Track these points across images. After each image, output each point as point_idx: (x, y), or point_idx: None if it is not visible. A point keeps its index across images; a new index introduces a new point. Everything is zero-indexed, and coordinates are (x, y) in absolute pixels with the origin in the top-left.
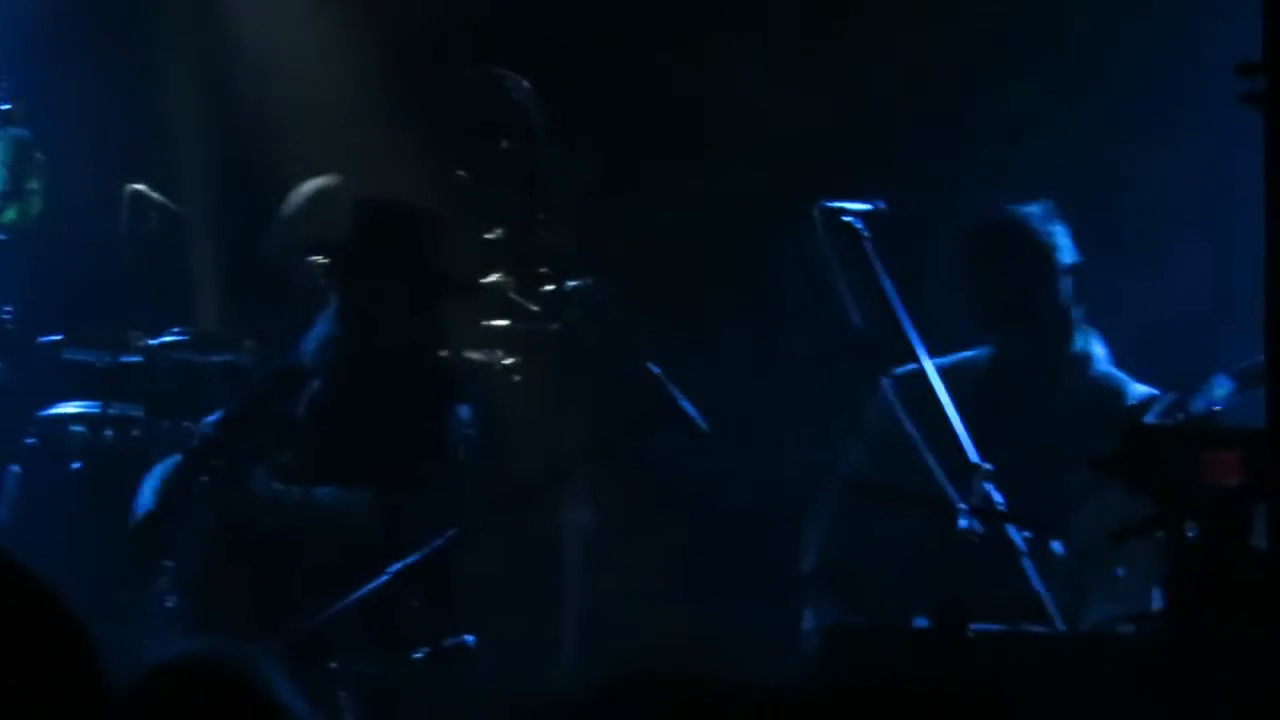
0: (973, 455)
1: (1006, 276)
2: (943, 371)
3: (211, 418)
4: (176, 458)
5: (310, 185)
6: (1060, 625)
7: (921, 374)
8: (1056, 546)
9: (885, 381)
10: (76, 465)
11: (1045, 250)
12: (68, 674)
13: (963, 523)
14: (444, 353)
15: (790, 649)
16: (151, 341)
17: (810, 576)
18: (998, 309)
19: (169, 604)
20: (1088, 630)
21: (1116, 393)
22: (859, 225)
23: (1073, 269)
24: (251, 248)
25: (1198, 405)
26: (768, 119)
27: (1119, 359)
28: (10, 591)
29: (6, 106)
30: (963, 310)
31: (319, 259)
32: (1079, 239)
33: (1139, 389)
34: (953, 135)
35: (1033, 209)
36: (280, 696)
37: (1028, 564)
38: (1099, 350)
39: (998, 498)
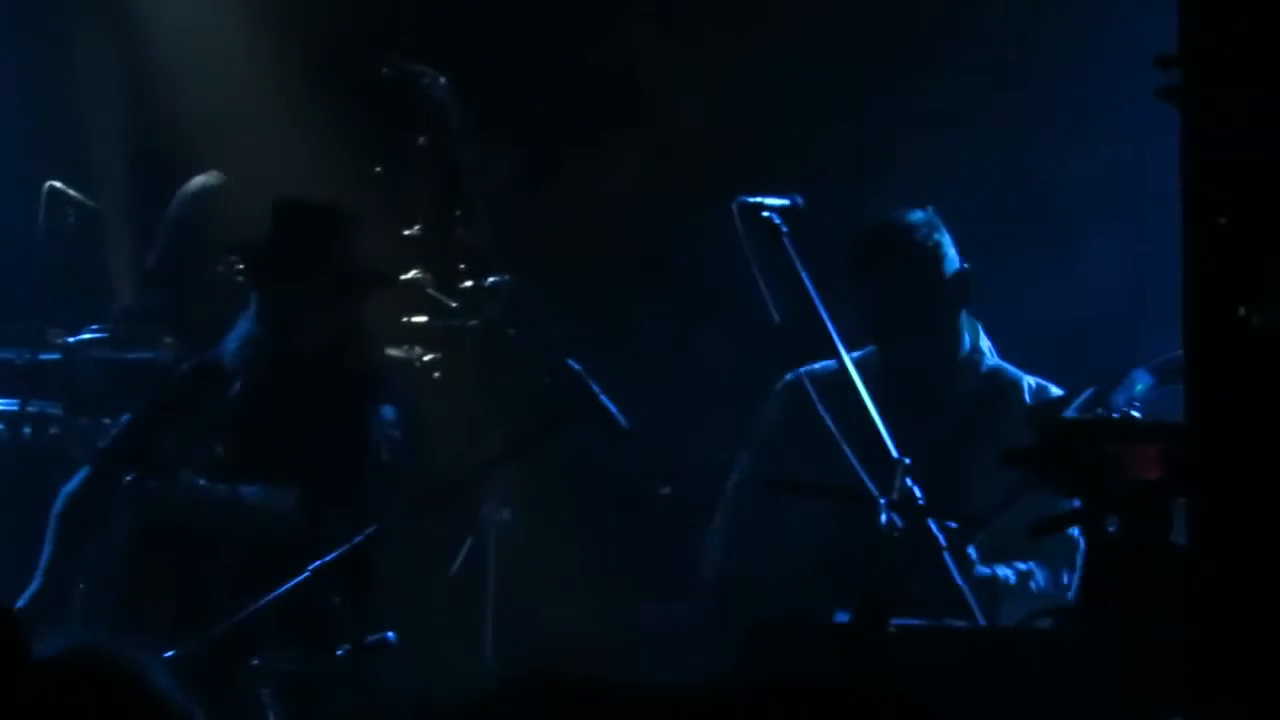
0: (893, 450)
1: (891, 286)
2: (833, 374)
3: (120, 422)
4: (82, 474)
5: (194, 184)
6: (980, 620)
7: (824, 372)
8: (971, 551)
9: (784, 381)
10: None
11: (930, 260)
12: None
13: (883, 517)
14: (366, 352)
15: (710, 646)
16: (70, 339)
17: (714, 582)
18: (885, 319)
19: (91, 603)
20: (1008, 625)
21: (1012, 384)
22: (777, 220)
23: (957, 275)
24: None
25: (1117, 400)
26: (682, 112)
27: (1037, 355)
28: None
29: None
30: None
31: (234, 259)
32: (997, 236)
33: (1032, 380)
34: (869, 130)
35: (916, 216)
36: (162, 690)
37: (948, 558)
38: (985, 345)
39: (918, 492)
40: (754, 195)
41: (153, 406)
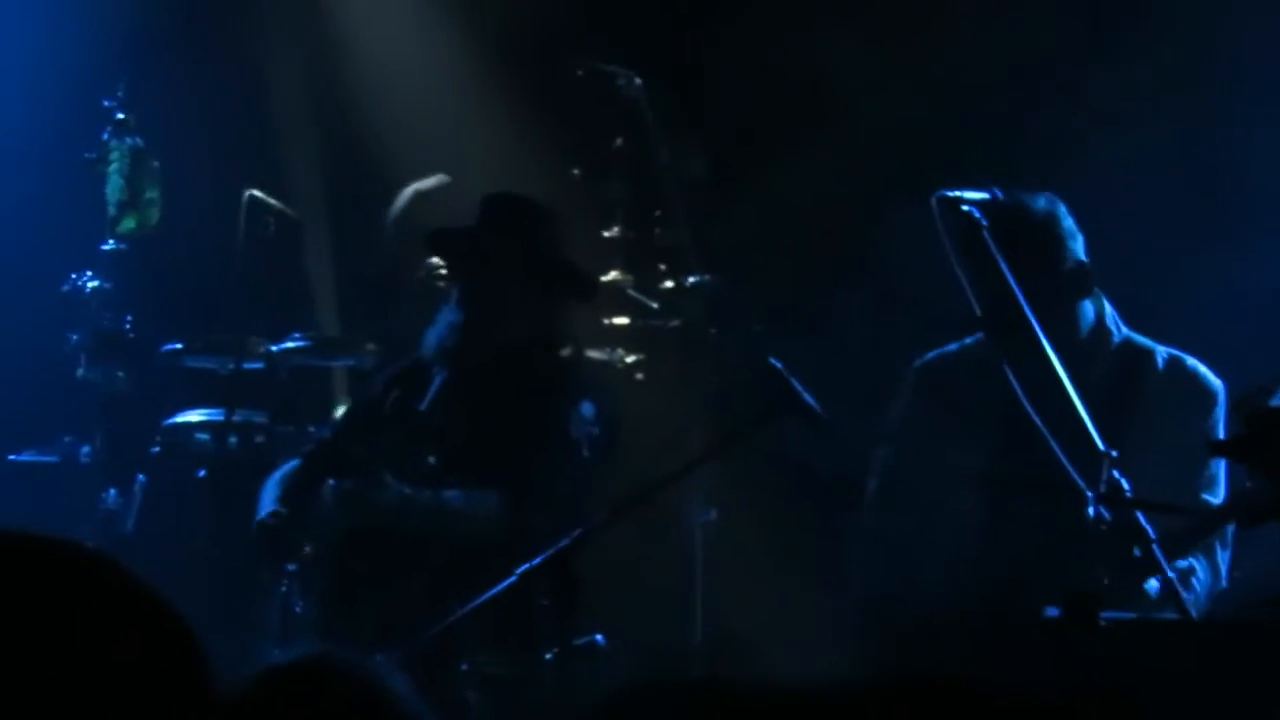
0: (1099, 442)
1: (1015, 270)
2: (948, 358)
3: (331, 422)
4: (294, 462)
5: (412, 187)
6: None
7: (952, 355)
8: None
9: (915, 367)
10: (201, 473)
11: (1055, 236)
12: (174, 678)
13: (1090, 510)
14: (564, 349)
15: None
16: (273, 347)
17: (866, 600)
18: (997, 302)
19: (297, 609)
20: (1221, 618)
21: (1145, 353)
22: (977, 214)
23: (1076, 265)
24: (367, 250)
25: None
26: (875, 107)
27: (1220, 351)
28: (112, 595)
29: (121, 116)
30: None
31: (436, 259)
32: (1184, 227)
33: (1165, 349)
34: (1055, 123)
35: (1038, 200)
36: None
37: (1158, 551)
38: (1112, 321)
39: (1125, 484)
40: (953, 189)
41: (354, 412)
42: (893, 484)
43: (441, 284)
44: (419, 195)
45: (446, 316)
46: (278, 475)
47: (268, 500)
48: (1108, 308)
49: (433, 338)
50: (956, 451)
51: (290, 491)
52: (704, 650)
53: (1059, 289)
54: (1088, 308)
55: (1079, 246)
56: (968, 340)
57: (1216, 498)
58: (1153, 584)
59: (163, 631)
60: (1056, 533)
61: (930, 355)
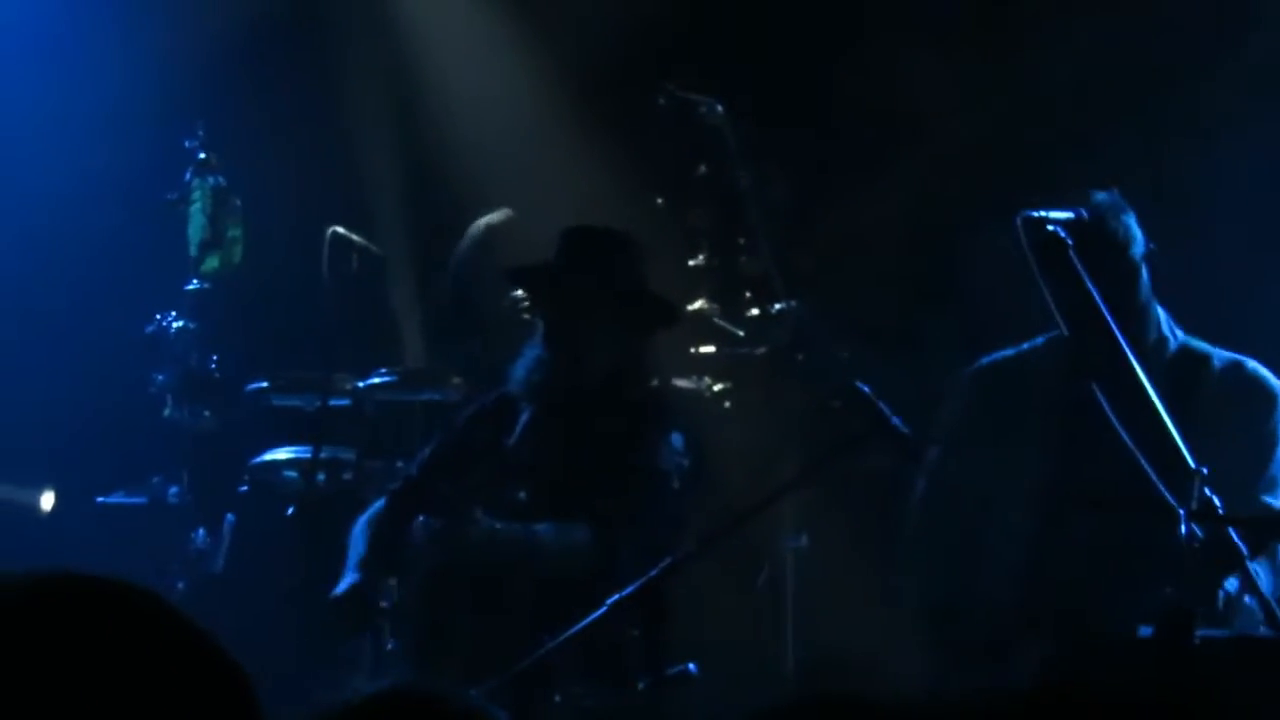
0: (1190, 459)
1: (1100, 287)
2: (1015, 362)
3: (416, 458)
4: (380, 502)
5: (483, 221)
6: None
7: (1006, 361)
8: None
9: (969, 372)
10: (290, 511)
11: (1121, 243)
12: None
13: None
14: (651, 380)
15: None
16: (359, 383)
17: (919, 611)
18: (1078, 307)
19: (390, 647)
20: None
21: (1203, 358)
22: (1062, 234)
23: (1146, 258)
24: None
25: None
26: (954, 127)
27: None
28: (160, 634)
29: (203, 156)
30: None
31: (519, 292)
32: (1264, 239)
33: (1222, 354)
34: (1141, 137)
35: (1102, 199)
36: None
37: (1254, 568)
38: (1169, 328)
39: (1217, 501)
40: (1038, 209)
41: (440, 450)
42: (943, 492)
43: (526, 317)
44: (490, 229)
45: (532, 351)
46: (364, 520)
47: (353, 556)
48: (1163, 314)
49: (519, 373)
50: (1014, 459)
51: (375, 544)
52: (801, 675)
53: (1139, 303)
54: (1153, 316)
55: (1142, 237)
56: (1024, 346)
57: (1278, 500)
58: (1232, 582)
59: (211, 670)
60: (1119, 547)
61: (985, 361)
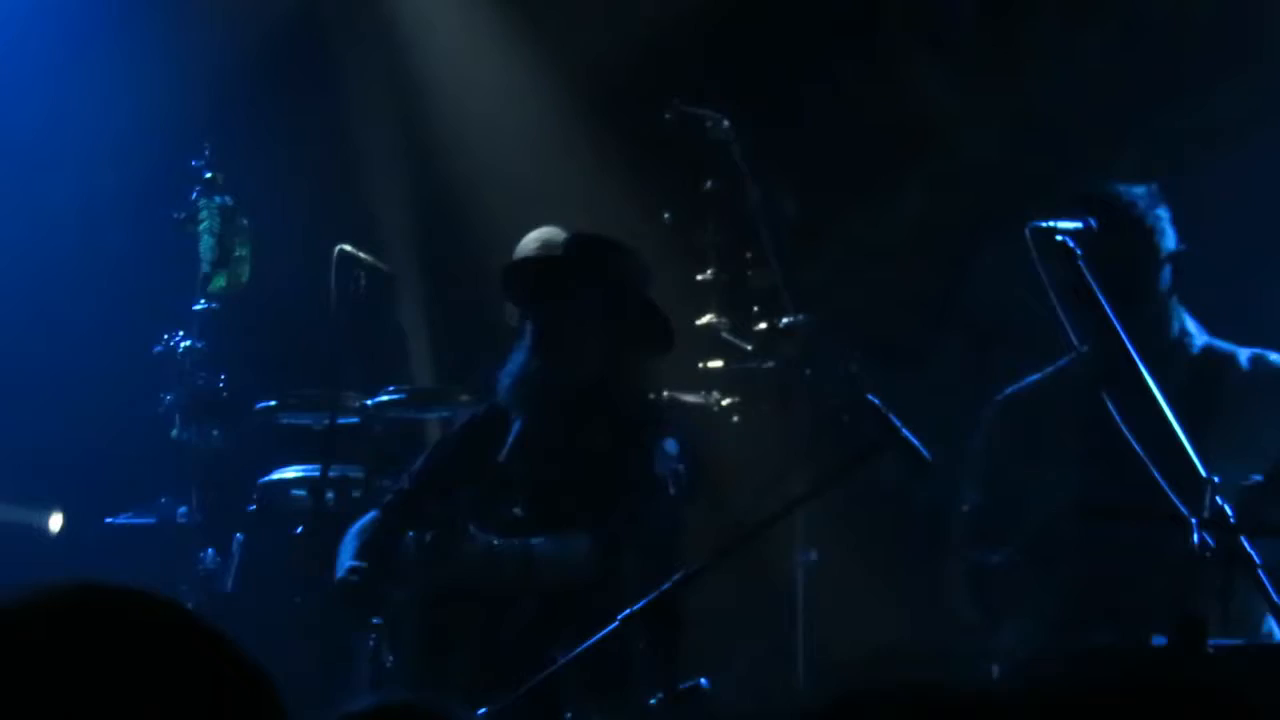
0: (1201, 469)
1: (1111, 258)
2: (1033, 390)
3: (408, 470)
4: (372, 514)
5: (534, 235)
6: None
7: (1029, 389)
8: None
9: (994, 403)
10: (299, 530)
11: (1151, 233)
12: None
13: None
14: (643, 386)
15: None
16: (368, 401)
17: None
18: (1088, 316)
19: (388, 664)
20: None
21: (1227, 356)
22: (1071, 244)
23: (1174, 255)
24: (457, 301)
25: None
26: (963, 142)
27: None
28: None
29: (209, 175)
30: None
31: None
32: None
33: (1247, 350)
34: (1150, 149)
35: (1139, 190)
36: None
37: (1263, 576)
38: (1193, 327)
39: (1229, 510)
40: (1046, 220)
41: (435, 461)
42: (985, 521)
43: (516, 323)
44: (541, 245)
45: (519, 358)
46: (356, 528)
47: (346, 555)
48: (1187, 315)
49: (505, 380)
50: (1049, 481)
51: (369, 545)
52: (811, 685)
53: (1158, 295)
54: (1173, 313)
55: (1174, 234)
56: (1049, 369)
57: None
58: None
59: (236, 677)
60: (1146, 559)
61: (1010, 390)
